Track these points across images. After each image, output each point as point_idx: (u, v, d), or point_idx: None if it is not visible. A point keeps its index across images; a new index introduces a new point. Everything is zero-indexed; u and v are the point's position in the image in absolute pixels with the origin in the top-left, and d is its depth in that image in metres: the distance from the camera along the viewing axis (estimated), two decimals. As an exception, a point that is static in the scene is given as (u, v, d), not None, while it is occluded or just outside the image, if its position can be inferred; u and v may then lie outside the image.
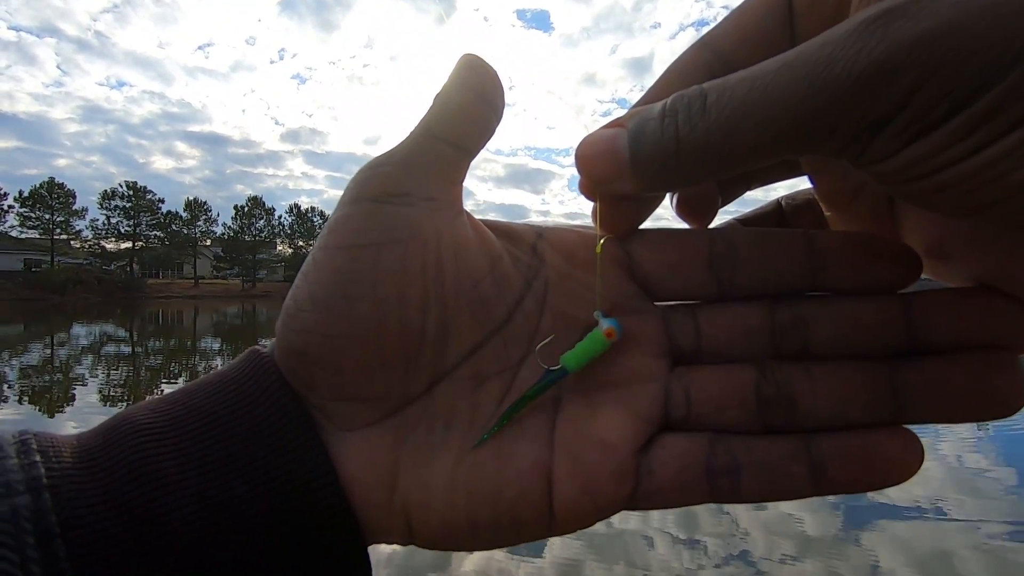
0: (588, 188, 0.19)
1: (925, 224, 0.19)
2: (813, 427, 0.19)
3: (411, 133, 0.20)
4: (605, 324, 0.20)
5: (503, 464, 0.19)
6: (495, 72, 0.20)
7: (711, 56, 0.19)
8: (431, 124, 0.19)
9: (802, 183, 0.23)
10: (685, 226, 0.22)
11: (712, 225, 0.22)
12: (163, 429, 0.18)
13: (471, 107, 0.19)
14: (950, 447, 3.68)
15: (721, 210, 0.24)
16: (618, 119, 0.18)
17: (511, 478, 0.19)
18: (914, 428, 0.19)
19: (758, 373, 0.19)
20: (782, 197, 0.24)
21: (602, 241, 0.20)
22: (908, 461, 0.18)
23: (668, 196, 0.21)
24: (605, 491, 0.19)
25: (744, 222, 0.24)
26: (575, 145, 0.20)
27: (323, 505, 0.18)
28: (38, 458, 0.16)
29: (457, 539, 0.19)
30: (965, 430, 4.13)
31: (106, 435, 0.18)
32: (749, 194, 0.25)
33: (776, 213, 0.24)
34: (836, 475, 0.18)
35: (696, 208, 0.22)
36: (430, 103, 0.20)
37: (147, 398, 0.20)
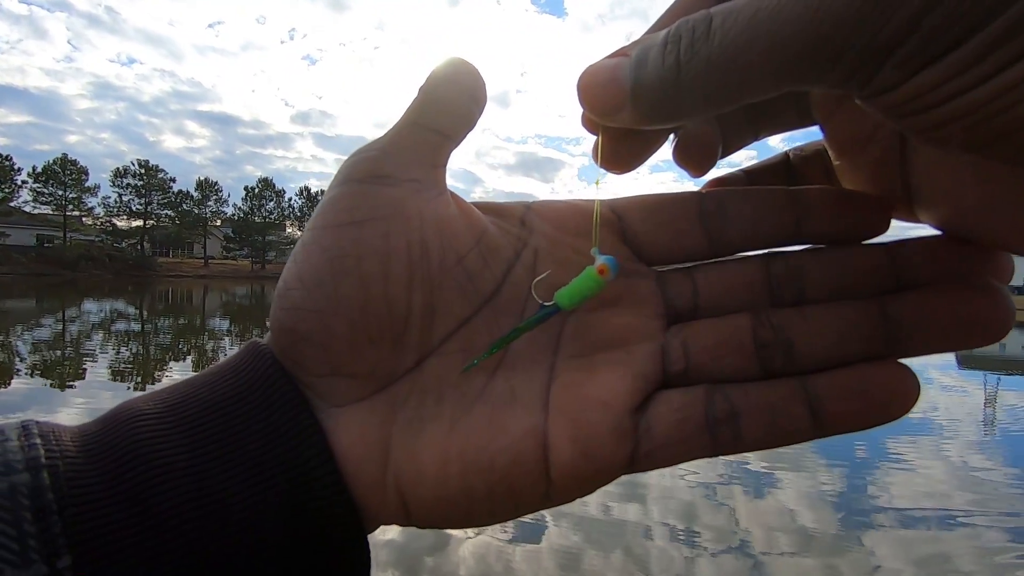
0: (589, 120, 0.19)
1: (935, 172, 0.18)
2: (811, 367, 0.19)
3: (397, 122, 0.20)
4: (600, 260, 0.20)
5: (496, 432, 0.19)
6: (477, 69, 0.21)
7: None
8: (415, 113, 0.20)
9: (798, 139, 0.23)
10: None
11: (719, 174, 0.22)
12: (160, 414, 0.18)
13: (453, 97, 0.20)
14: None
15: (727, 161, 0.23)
16: (623, 48, 0.17)
17: (505, 446, 0.19)
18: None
19: (754, 319, 0.19)
20: (790, 149, 0.23)
21: (601, 179, 0.20)
22: (905, 393, 0.18)
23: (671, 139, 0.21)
24: (604, 452, 0.19)
25: (749, 173, 0.23)
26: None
27: (318, 484, 0.18)
28: (38, 441, 0.17)
29: (453, 513, 0.19)
30: (971, 433, 4.10)
31: (105, 422, 0.18)
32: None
33: (783, 164, 0.23)
34: (835, 412, 0.18)
35: (695, 154, 0.21)
36: (415, 95, 0.20)
37: (152, 387, 0.20)
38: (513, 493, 0.19)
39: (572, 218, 0.21)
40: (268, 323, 0.20)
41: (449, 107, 0.20)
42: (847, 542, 2.31)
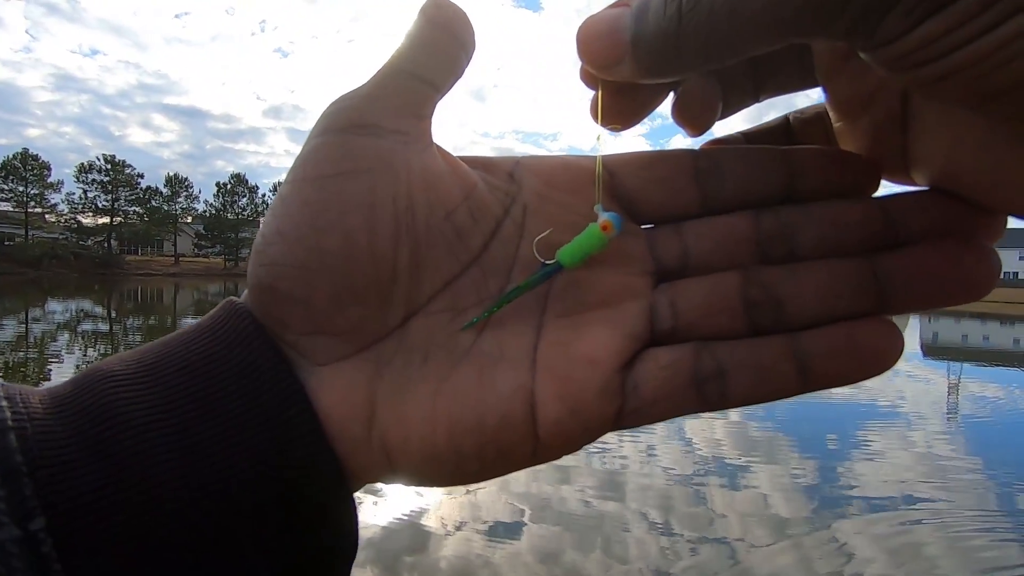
0: (587, 74, 0.19)
1: (936, 134, 0.18)
2: (800, 325, 0.19)
3: (379, 68, 0.19)
4: (603, 217, 0.19)
5: (484, 391, 0.19)
6: (464, 11, 0.20)
7: None
8: (398, 59, 0.19)
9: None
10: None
11: (718, 137, 0.22)
12: (135, 375, 0.17)
13: (438, 42, 0.19)
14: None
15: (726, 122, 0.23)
16: None
17: (492, 404, 0.19)
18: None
19: (743, 278, 0.19)
20: (790, 112, 0.23)
21: (600, 136, 0.20)
22: (890, 349, 0.18)
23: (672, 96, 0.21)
24: (591, 409, 0.19)
25: (748, 136, 0.23)
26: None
27: (301, 443, 0.17)
28: (4, 403, 0.16)
29: (441, 471, 0.19)
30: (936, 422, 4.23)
31: (76, 383, 0.18)
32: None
33: (783, 128, 0.23)
34: (822, 369, 0.18)
35: (694, 112, 0.21)
36: (400, 41, 0.19)
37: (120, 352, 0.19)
38: (501, 451, 0.19)
39: (562, 174, 0.21)
40: (247, 280, 0.20)
41: (436, 53, 0.19)
42: (819, 528, 2.37)
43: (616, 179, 0.21)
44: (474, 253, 0.20)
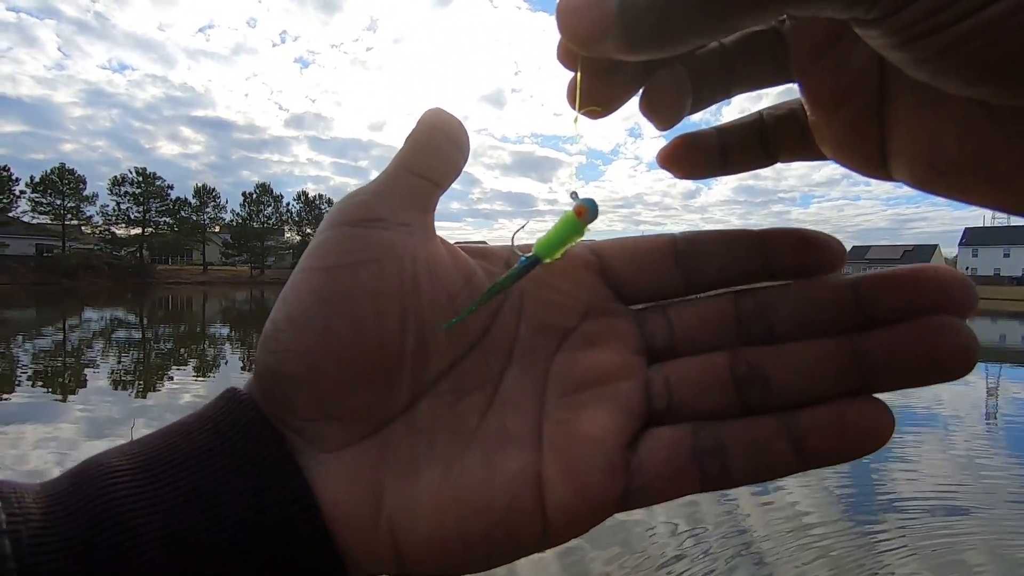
0: (567, 53, 0.18)
1: (914, 126, 0.17)
2: (790, 403, 0.19)
3: (386, 168, 0.21)
4: (577, 202, 0.19)
5: (492, 472, 0.19)
6: (459, 119, 0.22)
7: None
8: (404, 159, 0.21)
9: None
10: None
11: (690, 131, 0.23)
12: (133, 470, 0.18)
13: (439, 144, 0.21)
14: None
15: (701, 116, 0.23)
16: None
17: (501, 485, 0.19)
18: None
19: (731, 356, 0.20)
20: (764, 108, 0.23)
21: (578, 116, 0.19)
22: (880, 428, 0.18)
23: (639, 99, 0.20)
24: (597, 489, 0.19)
25: (722, 131, 0.23)
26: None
27: (303, 539, 0.18)
28: None
29: (449, 559, 0.19)
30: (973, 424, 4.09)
31: (72, 479, 0.18)
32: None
33: (757, 124, 0.23)
34: (816, 447, 0.19)
35: (663, 105, 0.20)
36: (403, 143, 0.21)
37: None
38: (510, 534, 0.19)
39: (556, 261, 0.22)
40: (253, 367, 0.20)
41: (437, 154, 0.21)
42: (857, 532, 2.31)
43: (605, 264, 0.22)
44: (476, 336, 0.21)
